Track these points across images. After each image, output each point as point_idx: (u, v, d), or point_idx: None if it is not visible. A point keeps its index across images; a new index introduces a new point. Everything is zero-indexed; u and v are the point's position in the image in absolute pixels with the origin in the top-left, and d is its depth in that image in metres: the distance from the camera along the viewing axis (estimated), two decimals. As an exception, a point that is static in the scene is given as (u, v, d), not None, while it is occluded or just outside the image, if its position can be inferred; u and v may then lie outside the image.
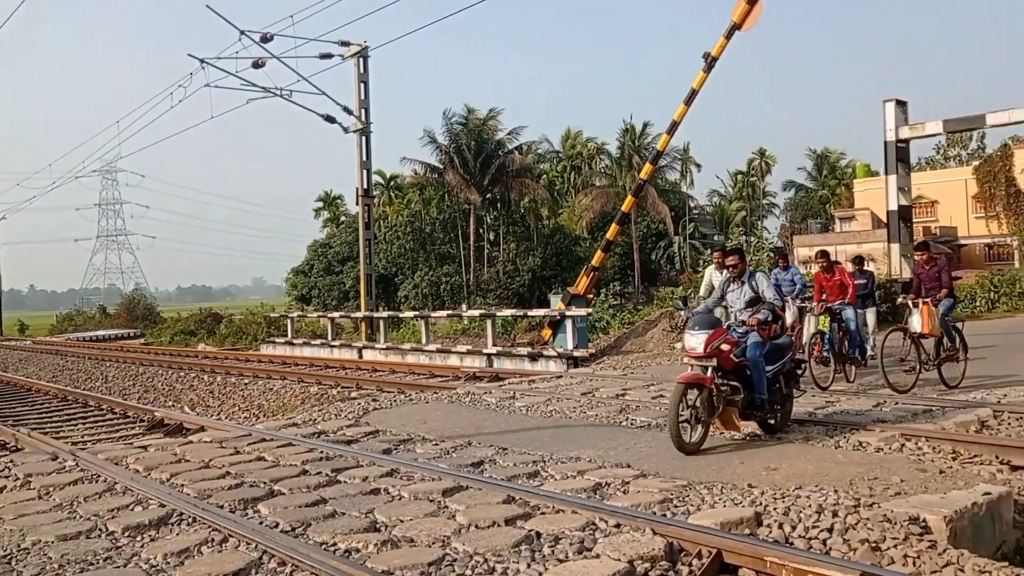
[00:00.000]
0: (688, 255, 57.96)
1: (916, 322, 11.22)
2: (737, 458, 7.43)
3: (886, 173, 23.78)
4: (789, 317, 12.11)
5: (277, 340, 29.07)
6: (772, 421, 8.30)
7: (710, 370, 7.75)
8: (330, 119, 25.16)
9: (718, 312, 9.36)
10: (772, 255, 12.70)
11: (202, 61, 22.86)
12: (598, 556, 5.00)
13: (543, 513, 6.05)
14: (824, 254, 12.99)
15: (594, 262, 20.17)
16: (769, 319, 8.26)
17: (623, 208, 21.41)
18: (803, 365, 10.02)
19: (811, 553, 4.93)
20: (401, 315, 28.69)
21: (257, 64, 22.84)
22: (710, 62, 18.16)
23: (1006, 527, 5.77)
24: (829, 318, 12.13)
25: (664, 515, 5.77)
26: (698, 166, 66.37)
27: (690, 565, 4.95)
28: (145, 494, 6.95)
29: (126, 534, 5.91)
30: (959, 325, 12.13)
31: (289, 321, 30.45)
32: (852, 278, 12.63)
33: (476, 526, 5.78)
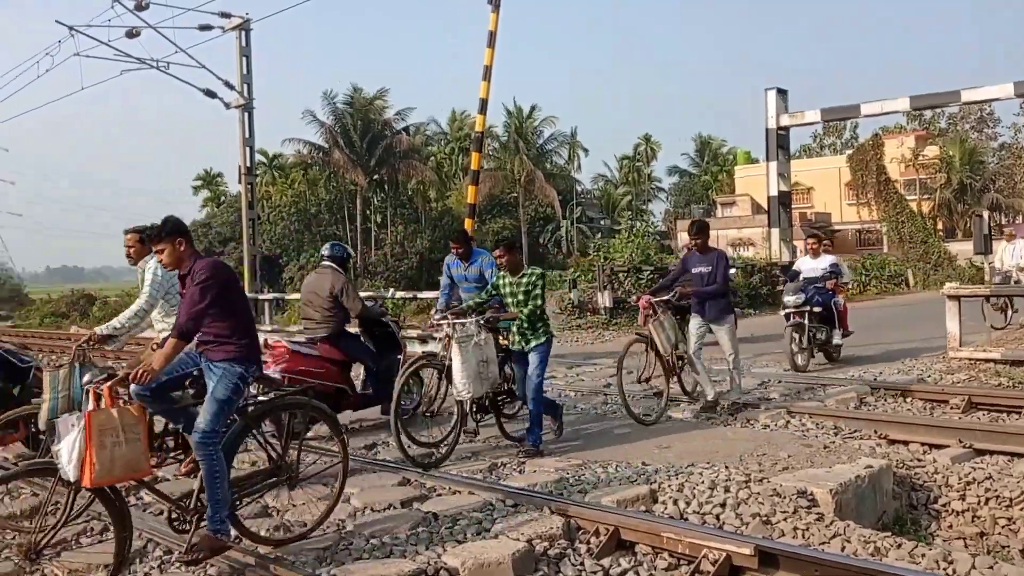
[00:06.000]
0: (575, 239, 58.70)
1: None
2: (629, 437, 7.50)
3: (767, 160, 24.60)
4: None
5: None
6: None
7: None
8: (211, 94, 24.07)
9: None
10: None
11: (71, 28, 21.49)
12: (497, 536, 4.95)
13: (439, 495, 5.97)
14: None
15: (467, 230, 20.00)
16: None
17: (472, 166, 21.01)
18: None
19: (705, 528, 5.02)
20: (287, 297, 27.91)
21: (131, 33, 21.57)
22: (496, 2, 18.03)
23: (886, 498, 6.02)
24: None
25: (561, 494, 5.77)
26: (585, 150, 67.32)
27: (588, 543, 4.95)
28: (14, 484, 6.48)
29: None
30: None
31: (168, 303, 29.18)
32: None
33: (371, 509, 5.67)
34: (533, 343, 7.11)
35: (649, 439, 7.35)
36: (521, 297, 7.12)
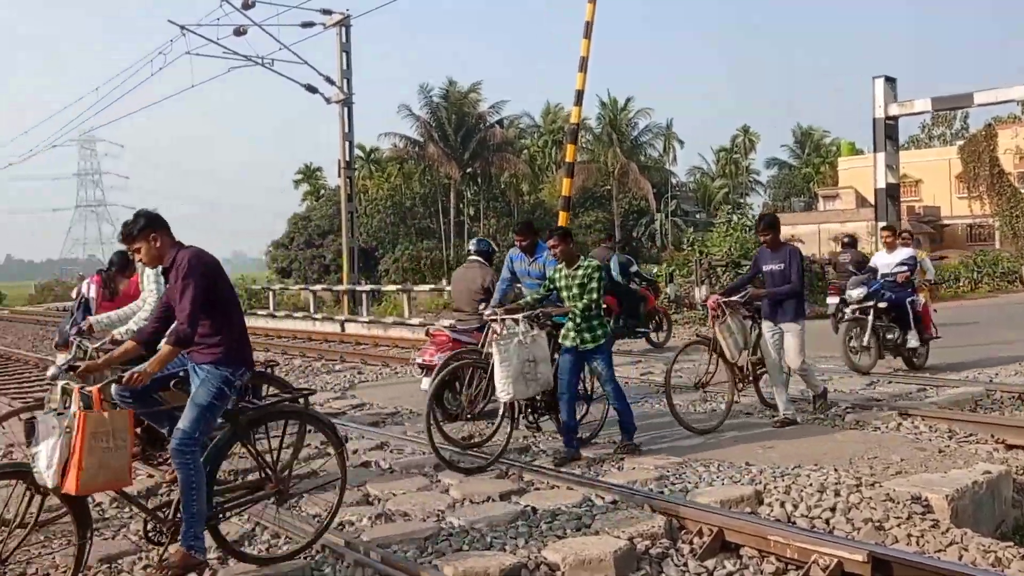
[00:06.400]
0: (670, 232, 57.92)
1: None
2: (731, 436, 7.32)
3: (874, 150, 23.75)
4: None
5: (259, 312, 28.77)
6: None
7: None
8: (312, 89, 24.70)
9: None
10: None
11: (183, 28, 22.33)
12: (597, 533, 4.90)
13: (537, 489, 5.95)
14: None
15: (561, 223, 19.95)
16: None
17: (567, 158, 20.84)
18: None
19: (815, 532, 4.85)
20: (383, 288, 28.50)
21: (239, 31, 22.32)
22: None
23: (1005, 505, 5.73)
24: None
25: (661, 492, 5.67)
26: (681, 142, 66.18)
27: (691, 543, 4.85)
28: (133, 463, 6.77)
29: (113, 505, 5.76)
30: None
31: (271, 293, 30.17)
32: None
33: (470, 501, 5.68)
34: (591, 344, 6.68)
35: (752, 439, 7.17)
36: (576, 291, 6.71)
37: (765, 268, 7.86)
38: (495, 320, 6.66)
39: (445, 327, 8.63)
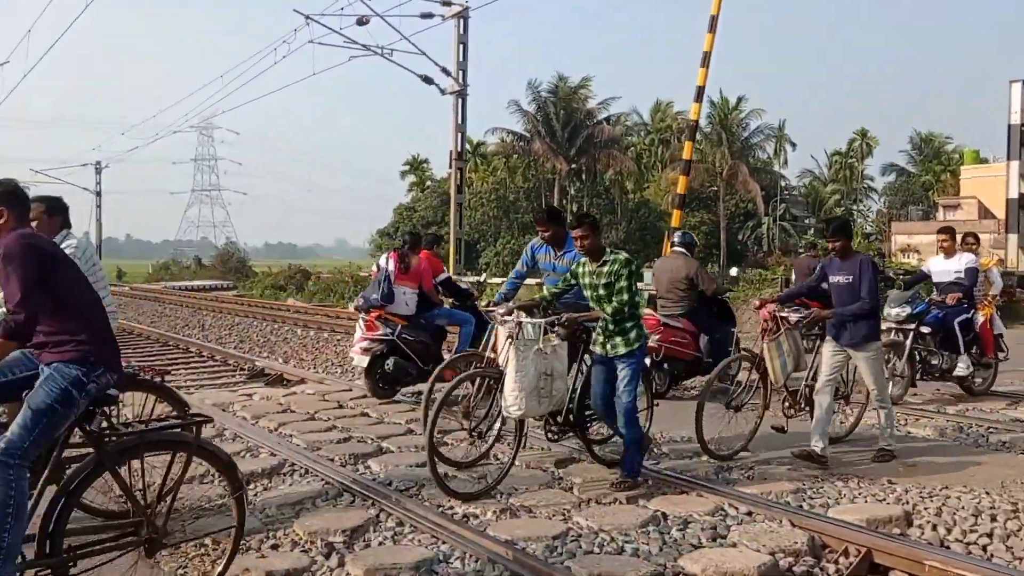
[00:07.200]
0: (778, 236, 56.41)
1: None
2: (869, 452, 6.92)
3: (1008, 159, 22.51)
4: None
5: (364, 299, 29.27)
6: None
7: None
8: (428, 80, 24.91)
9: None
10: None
11: (307, 17, 22.82)
12: (735, 545, 4.68)
13: (664, 493, 5.76)
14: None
15: (674, 223, 19.54)
16: None
17: (684, 155, 20.36)
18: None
19: (973, 559, 4.52)
20: (488, 281, 28.62)
21: (361, 21, 22.69)
22: None
23: None
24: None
25: (800, 506, 5.40)
26: (793, 144, 64.14)
27: (836, 563, 4.59)
28: (255, 442, 6.92)
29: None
30: None
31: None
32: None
33: (596, 501, 5.55)
34: (623, 350, 5.76)
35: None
36: (602, 291, 5.76)
37: (831, 279, 6.77)
38: (510, 321, 5.74)
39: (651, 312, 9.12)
